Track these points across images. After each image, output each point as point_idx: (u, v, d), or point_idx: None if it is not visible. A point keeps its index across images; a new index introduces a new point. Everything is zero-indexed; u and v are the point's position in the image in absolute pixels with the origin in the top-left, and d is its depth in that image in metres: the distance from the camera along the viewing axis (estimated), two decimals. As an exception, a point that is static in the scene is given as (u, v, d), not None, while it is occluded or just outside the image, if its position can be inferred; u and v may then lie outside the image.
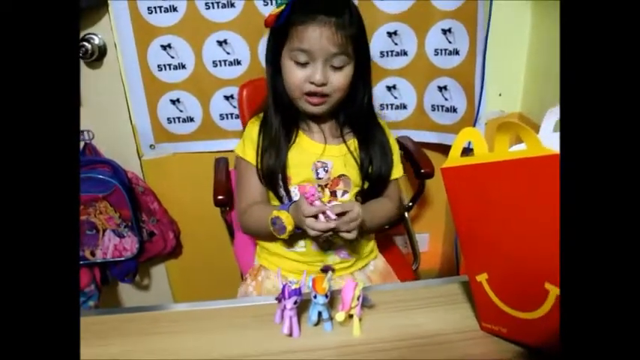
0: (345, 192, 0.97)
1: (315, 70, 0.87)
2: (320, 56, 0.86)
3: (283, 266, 0.97)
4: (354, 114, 0.97)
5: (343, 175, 0.96)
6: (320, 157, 0.95)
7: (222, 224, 1.23)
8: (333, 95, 0.90)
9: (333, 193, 0.96)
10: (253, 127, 0.98)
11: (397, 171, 1.03)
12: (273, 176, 0.94)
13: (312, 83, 0.88)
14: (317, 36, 0.84)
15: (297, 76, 0.88)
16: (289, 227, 0.85)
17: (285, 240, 0.94)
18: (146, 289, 1.68)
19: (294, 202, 0.89)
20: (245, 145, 0.98)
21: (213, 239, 1.47)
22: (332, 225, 0.82)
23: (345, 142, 0.97)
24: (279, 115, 0.95)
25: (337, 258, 0.97)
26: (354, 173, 0.97)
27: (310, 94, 0.90)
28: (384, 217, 1.01)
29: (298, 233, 0.89)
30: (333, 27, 0.84)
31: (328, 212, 0.82)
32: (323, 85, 0.88)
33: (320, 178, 0.95)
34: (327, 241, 0.94)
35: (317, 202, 0.84)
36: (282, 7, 0.85)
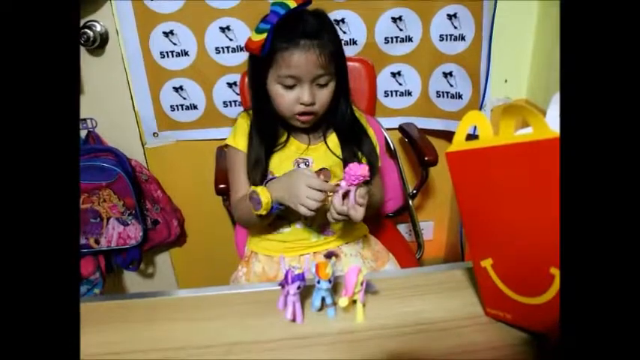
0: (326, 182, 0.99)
1: (303, 91, 0.90)
2: (307, 79, 0.90)
3: (271, 248, 1.02)
4: (338, 122, 1.01)
5: (324, 168, 1.00)
6: (301, 155, 1.00)
7: (226, 212, 1.23)
8: (320, 111, 0.95)
9: None
10: (244, 122, 1.01)
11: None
12: (256, 175, 0.97)
13: (301, 104, 0.91)
14: (302, 61, 0.87)
15: (286, 100, 0.92)
16: (264, 200, 0.86)
17: (270, 223, 0.99)
18: (150, 277, 1.68)
19: (273, 177, 0.93)
20: (237, 136, 1.01)
21: (217, 227, 1.47)
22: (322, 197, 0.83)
23: (325, 140, 1.01)
24: (263, 131, 0.98)
25: (322, 237, 1.01)
26: (334, 167, 1.00)
27: (300, 113, 0.93)
28: (376, 202, 1.04)
29: (280, 211, 0.91)
30: (317, 49, 0.87)
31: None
32: (312, 104, 0.92)
33: None
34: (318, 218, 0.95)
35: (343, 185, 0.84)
36: (264, 35, 0.85)
